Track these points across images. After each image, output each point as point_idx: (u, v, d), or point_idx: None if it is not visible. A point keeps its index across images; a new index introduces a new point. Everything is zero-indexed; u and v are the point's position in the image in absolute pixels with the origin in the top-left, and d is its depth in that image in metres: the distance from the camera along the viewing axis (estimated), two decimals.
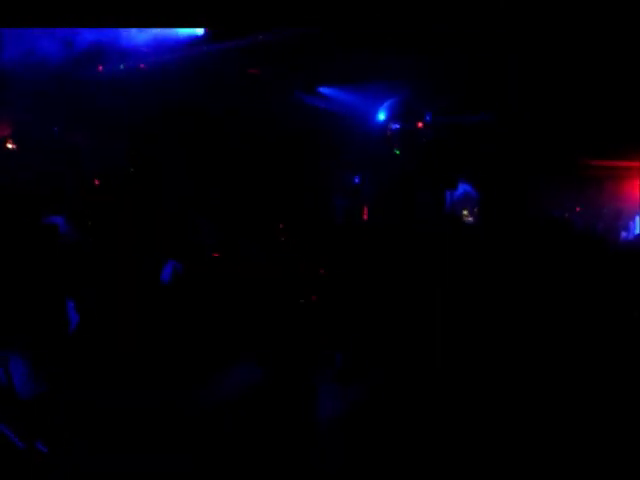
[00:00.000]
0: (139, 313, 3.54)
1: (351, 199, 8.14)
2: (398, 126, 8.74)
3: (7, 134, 8.76)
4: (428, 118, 8.66)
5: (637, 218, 8.87)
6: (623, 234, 8.40)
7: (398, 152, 8.65)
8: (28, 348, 2.79)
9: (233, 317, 3.77)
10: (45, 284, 3.56)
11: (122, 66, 8.35)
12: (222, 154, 8.17)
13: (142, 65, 7.88)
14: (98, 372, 3.19)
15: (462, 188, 7.76)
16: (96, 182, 8.18)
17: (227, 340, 3.51)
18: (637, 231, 8.70)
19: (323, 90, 8.84)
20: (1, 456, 2.24)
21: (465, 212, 7.69)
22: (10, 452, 2.20)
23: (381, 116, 8.88)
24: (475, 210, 7.66)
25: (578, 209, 8.44)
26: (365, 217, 8.03)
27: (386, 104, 8.78)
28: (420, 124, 8.72)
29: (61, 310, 3.57)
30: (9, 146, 8.72)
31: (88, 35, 7.13)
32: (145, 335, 3.44)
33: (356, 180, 8.57)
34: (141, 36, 7.42)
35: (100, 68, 8.49)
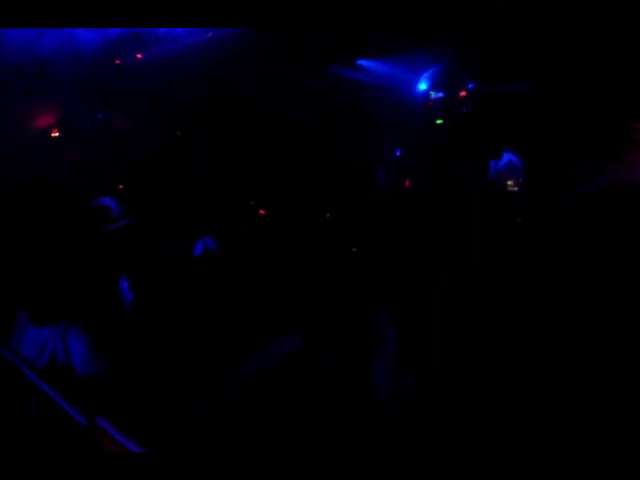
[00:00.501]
0: (172, 292, 3.56)
1: (392, 171, 8.01)
2: (440, 95, 8.54)
3: (53, 122, 8.91)
4: (471, 86, 8.44)
5: None
6: None
7: (440, 121, 8.46)
8: (85, 325, 2.84)
9: (267, 293, 3.76)
10: (98, 263, 3.61)
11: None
12: (260, 133, 8.14)
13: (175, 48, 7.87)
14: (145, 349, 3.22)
15: (506, 157, 7.53)
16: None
17: (260, 317, 3.51)
18: None
19: (362, 62, 8.70)
20: (64, 432, 2.28)
21: (510, 182, 7.47)
22: (72, 428, 2.24)
23: (422, 86, 8.69)
24: (520, 180, 7.43)
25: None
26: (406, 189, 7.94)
27: (427, 73, 8.59)
28: (463, 93, 8.51)
29: (114, 289, 3.62)
30: (54, 134, 8.88)
31: None
32: (179, 314, 3.46)
33: (397, 152, 8.44)
34: None
35: (139, 55, 8.54)
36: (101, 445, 2.09)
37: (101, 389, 2.64)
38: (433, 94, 8.52)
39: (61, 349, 2.75)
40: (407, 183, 7.86)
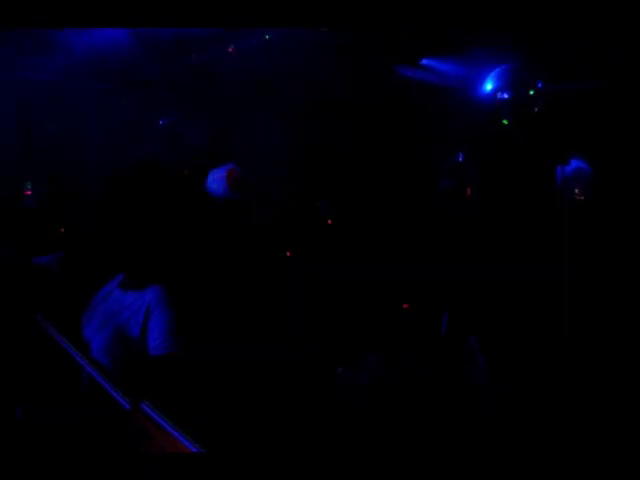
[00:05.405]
0: None
1: (455, 180, 7.58)
2: (507, 95, 8.00)
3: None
4: (540, 85, 7.86)
5: None
6: None
7: (506, 122, 7.94)
8: (178, 297, 2.61)
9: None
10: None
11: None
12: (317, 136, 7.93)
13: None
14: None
15: (574, 163, 6.94)
16: None
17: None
18: None
19: (426, 62, 8.29)
20: (104, 417, 2.20)
21: (577, 190, 6.87)
22: (114, 413, 2.14)
23: (488, 86, 8.18)
24: (588, 188, 6.81)
25: None
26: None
27: (494, 72, 8.06)
28: (531, 92, 7.94)
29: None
30: None
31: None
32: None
33: (460, 158, 7.99)
34: None
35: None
36: (145, 432, 1.95)
37: (165, 373, 2.46)
38: (499, 95, 7.99)
39: (138, 322, 2.55)
40: (469, 191, 7.43)
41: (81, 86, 8.15)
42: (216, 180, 3.81)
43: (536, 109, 7.72)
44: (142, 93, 8.65)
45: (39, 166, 7.58)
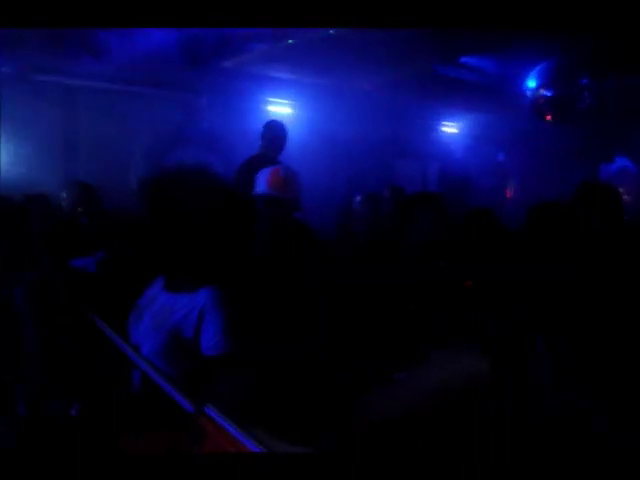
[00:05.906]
0: None
1: (495, 178, 7.41)
2: (551, 93, 7.75)
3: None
4: (585, 81, 7.60)
5: None
6: None
7: (550, 119, 7.70)
8: (231, 298, 2.59)
9: None
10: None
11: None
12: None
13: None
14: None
15: (619, 162, 6.68)
16: None
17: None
18: None
19: (465, 59, 8.10)
20: (169, 419, 2.21)
21: (621, 190, 6.59)
22: (178, 415, 2.14)
23: (531, 83, 7.94)
24: (633, 187, 6.53)
25: None
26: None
27: (537, 69, 7.82)
28: (576, 88, 7.68)
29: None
30: None
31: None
32: None
33: (500, 157, 7.82)
34: None
35: None
36: (206, 434, 1.92)
37: (222, 372, 2.44)
38: (542, 92, 7.74)
39: (191, 324, 2.54)
40: (509, 192, 7.25)
41: (125, 90, 8.24)
42: (260, 178, 3.90)
43: (582, 105, 7.45)
44: (185, 96, 8.72)
45: (82, 172, 7.71)
